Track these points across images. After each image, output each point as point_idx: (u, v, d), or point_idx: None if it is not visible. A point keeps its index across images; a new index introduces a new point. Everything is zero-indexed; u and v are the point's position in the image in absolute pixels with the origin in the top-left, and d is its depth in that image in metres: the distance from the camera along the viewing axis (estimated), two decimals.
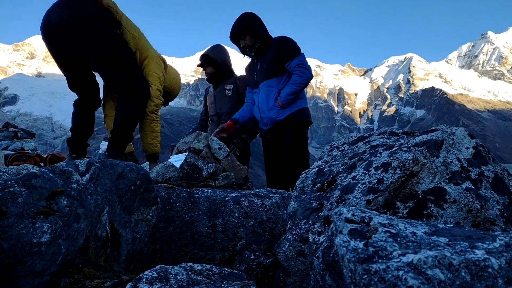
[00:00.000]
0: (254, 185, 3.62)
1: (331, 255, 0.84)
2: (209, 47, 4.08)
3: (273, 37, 3.38)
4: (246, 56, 3.46)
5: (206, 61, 3.95)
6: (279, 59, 3.23)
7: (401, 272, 0.59)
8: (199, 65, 4.08)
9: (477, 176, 1.08)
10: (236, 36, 3.31)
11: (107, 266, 1.13)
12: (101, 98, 3.12)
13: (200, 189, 1.96)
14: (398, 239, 0.70)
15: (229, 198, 1.83)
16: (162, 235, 1.68)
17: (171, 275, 0.86)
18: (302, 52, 3.28)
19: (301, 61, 3.20)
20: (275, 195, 1.92)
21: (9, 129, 10.98)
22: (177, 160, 2.84)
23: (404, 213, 1.04)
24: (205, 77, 4.09)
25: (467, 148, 1.14)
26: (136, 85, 2.79)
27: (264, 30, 3.31)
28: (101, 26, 2.60)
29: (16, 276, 0.94)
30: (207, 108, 4.19)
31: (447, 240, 0.70)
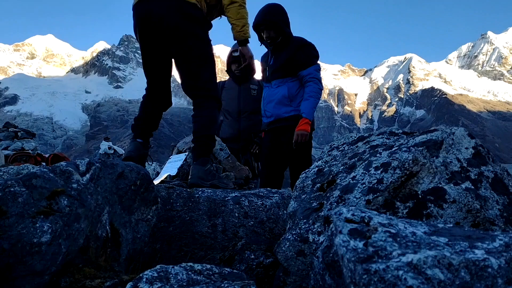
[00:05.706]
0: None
1: (331, 255, 0.84)
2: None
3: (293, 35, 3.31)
4: (262, 45, 3.35)
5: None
6: (293, 62, 3.17)
7: (400, 272, 0.60)
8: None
9: (476, 176, 1.08)
10: (260, 25, 3.20)
11: (107, 266, 1.13)
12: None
13: (200, 189, 1.96)
14: (398, 239, 0.70)
15: (229, 198, 1.83)
16: (162, 235, 1.68)
17: (171, 275, 0.86)
18: (318, 62, 3.24)
19: (313, 73, 3.17)
20: (275, 195, 1.93)
21: (9, 129, 10.99)
22: (177, 160, 2.84)
23: (404, 213, 1.04)
24: (237, 71, 3.85)
25: (466, 148, 1.14)
26: (210, 90, 2.67)
27: (288, 27, 3.22)
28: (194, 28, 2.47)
29: (16, 276, 0.94)
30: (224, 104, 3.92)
31: (447, 240, 0.70)
